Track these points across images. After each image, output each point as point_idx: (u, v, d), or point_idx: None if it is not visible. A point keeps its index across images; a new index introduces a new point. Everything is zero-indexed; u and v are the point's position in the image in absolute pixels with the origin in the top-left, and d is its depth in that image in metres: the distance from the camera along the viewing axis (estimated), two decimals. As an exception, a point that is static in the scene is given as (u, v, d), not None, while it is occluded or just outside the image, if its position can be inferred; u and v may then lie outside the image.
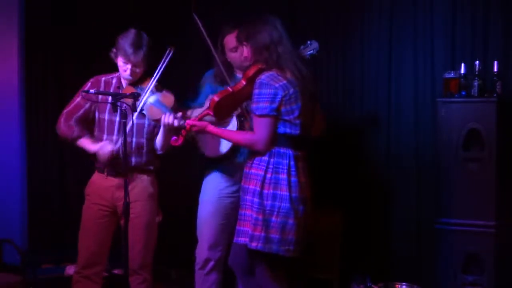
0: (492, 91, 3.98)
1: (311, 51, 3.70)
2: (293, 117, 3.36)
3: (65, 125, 3.73)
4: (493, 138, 3.88)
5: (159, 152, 3.76)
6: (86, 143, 3.72)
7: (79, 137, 3.72)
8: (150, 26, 4.00)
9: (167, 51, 3.60)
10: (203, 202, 3.93)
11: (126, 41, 3.61)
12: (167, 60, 3.61)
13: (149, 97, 3.59)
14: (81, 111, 3.73)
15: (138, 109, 3.52)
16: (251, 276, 3.51)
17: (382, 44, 4.55)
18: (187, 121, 3.53)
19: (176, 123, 3.52)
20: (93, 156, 3.73)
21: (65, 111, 3.76)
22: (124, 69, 3.66)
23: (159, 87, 3.68)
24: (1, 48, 5.12)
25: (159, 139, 3.72)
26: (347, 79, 4.72)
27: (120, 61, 3.66)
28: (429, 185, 4.30)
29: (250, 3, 4.87)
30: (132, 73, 3.66)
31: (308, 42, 3.71)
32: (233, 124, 3.73)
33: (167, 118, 3.53)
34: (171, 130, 3.58)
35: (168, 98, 3.64)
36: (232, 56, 3.87)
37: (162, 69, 3.62)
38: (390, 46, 4.52)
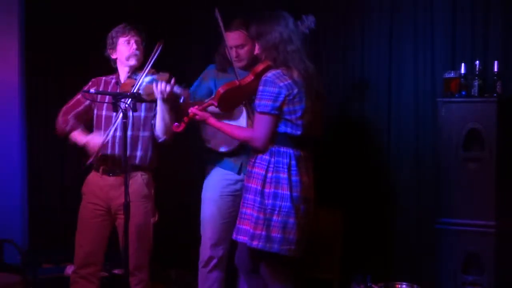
0: (492, 91, 3.98)
1: (309, 25, 3.67)
2: (295, 117, 3.36)
3: (62, 119, 3.72)
4: (493, 138, 3.88)
5: (160, 140, 3.68)
6: (77, 136, 3.70)
7: (73, 130, 3.70)
8: (150, 25, 4.00)
9: (156, 47, 3.57)
10: (206, 201, 3.92)
11: (119, 26, 3.65)
12: (156, 54, 3.57)
13: (144, 78, 3.57)
14: (81, 107, 3.72)
15: (135, 90, 3.49)
16: (255, 275, 3.52)
17: (382, 44, 4.55)
18: (191, 108, 3.53)
19: (168, 88, 3.50)
20: (87, 152, 3.73)
21: (64, 107, 3.75)
22: (128, 48, 3.65)
23: (154, 71, 3.64)
24: (1, 48, 5.11)
25: (158, 123, 3.64)
26: (347, 78, 4.72)
27: (121, 45, 3.66)
28: (429, 185, 4.30)
29: (251, 2, 4.87)
30: (138, 47, 3.66)
31: (304, 16, 3.68)
32: (243, 117, 3.71)
33: (161, 86, 3.50)
34: (168, 102, 3.54)
35: (163, 75, 3.60)
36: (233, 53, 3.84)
37: (153, 61, 3.59)
38: (390, 46, 4.52)
